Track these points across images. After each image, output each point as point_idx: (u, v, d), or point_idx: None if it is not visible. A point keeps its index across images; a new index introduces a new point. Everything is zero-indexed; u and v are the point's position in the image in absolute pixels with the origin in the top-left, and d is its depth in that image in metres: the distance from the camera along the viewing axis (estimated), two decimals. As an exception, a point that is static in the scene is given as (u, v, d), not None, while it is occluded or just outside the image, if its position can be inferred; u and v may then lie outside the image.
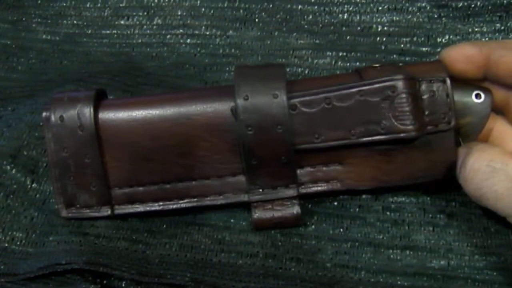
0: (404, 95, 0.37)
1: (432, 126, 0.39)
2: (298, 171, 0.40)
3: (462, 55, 0.39)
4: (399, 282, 0.38)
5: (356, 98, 0.38)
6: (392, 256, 0.40)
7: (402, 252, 0.40)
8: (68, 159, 0.40)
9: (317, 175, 0.41)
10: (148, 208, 0.41)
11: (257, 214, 0.40)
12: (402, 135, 0.38)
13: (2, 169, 0.45)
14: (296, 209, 0.40)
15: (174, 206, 0.41)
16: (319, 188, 0.41)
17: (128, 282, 0.39)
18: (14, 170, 0.45)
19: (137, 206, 0.41)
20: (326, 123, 0.38)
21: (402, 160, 0.40)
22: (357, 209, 0.42)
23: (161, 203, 0.41)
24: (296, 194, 0.40)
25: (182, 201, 0.41)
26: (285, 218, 0.40)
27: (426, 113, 0.39)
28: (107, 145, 0.40)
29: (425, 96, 0.39)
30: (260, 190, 0.40)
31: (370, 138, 0.38)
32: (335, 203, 0.42)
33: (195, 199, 0.41)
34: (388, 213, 0.42)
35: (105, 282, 0.40)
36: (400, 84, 0.37)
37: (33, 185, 0.44)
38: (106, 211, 0.41)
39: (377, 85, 0.38)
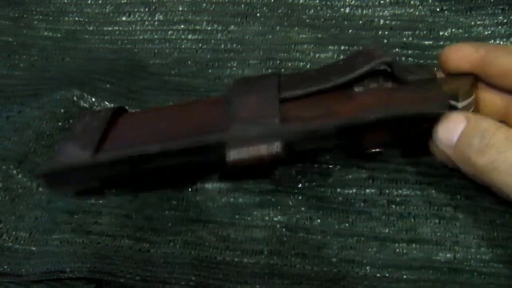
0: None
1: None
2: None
3: (458, 54, 0.38)
4: (404, 276, 0.37)
5: None
6: (398, 250, 0.39)
7: (408, 246, 0.39)
8: None
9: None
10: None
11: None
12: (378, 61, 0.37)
13: (8, 173, 0.44)
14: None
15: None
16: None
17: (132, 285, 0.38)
18: (20, 174, 0.44)
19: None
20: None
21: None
22: (362, 204, 0.41)
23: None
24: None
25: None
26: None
27: None
28: None
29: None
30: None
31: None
32: (340, 198, 0.41)
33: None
34: (393, 206, 0.40)
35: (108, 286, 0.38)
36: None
37: (39, 189, 0.43)
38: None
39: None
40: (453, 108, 0.36)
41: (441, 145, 0.35)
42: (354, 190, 0.41)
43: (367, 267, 0.38)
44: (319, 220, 0.40)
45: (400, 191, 0.41)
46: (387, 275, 0.38)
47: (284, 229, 0.40)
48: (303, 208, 0.41)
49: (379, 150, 0.38)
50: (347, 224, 0.40)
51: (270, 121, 0.37)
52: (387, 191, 0.41)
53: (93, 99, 0.48)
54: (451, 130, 0.35)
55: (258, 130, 0.37)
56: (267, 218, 0.41)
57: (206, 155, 0.38)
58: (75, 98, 0.48)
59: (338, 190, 0.42)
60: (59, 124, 0.46)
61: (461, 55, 0.38)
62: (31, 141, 0.45)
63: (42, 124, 0.46)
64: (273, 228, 0.40)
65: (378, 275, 0.38)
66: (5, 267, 0.39)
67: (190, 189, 0.42)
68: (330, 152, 0.42)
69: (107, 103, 0.48)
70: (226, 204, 0.42)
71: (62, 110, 0.47)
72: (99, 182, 0.40)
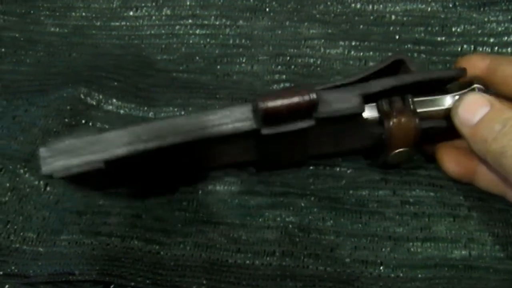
0: None
1: None
2: None
3: (468, 64, 0.38)
4: (419, 275, 0.37)
5: None
6: (412, 249, 0.38)
7: (422, 244, 0.38)
8: None
9: None
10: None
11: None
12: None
13: (15, 173, 0.43)
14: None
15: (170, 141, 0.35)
16: None
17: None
18: (27, 174, 0.43)
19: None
20: None
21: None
22: (375, 205, 0.40)
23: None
24: None
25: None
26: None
27: None
28: None
29: None
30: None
31: None
32: (353, 200, 0.40)
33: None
34: (407, 206, 0.40)
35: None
36: None
37: (47, 189, 0.42)
38: None
39: None
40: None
41: (459, 122, 0.35)
42: (367, 192, 0.40)
43: (381, 267, 0.37)
44: (331, 221, 0.39)
45: (413, 192, 0.40)
46: (401, 274, 0.37)
47: (296, 230, 0.39)
48: (315, 209, 0.40)
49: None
50: (360, 225, 0.39)
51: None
52: (400, 192, 0.40)
53: (100, 96, 0.47)
54: (474, 111, 0.35)
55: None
56: (279, 219, 0.39)
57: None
58: (82, 96, 0.47)
59: (351, 191, 0.41)
60: (66, 120, 0.45)
61: (471, 65, 0.38)
62: (37, 139, 0.44)
63: (48, 121, 0.45)
64: (285, 229, 0.39)
65: (392, 275, 0.37)
66: (13, 268, 0.38)
67: (200, 191, 0.41)
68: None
69: (114, 100, 0.47)
70: (237, 205, 0.40)
71: (69, 107, 0.46)
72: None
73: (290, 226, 0.39)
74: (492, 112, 0.34)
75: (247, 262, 0.38)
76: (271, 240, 0.38)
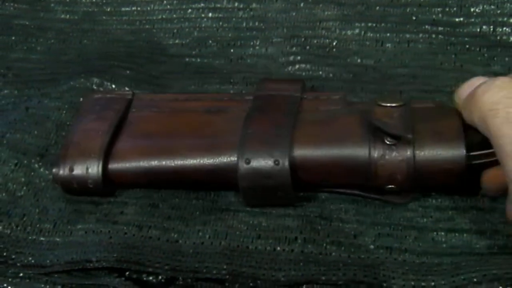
0: None
1: None
2: None
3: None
4: (445, 261, 0.35)
5: None
6: (436, 238, 0.37)
7: (446, 235, 0.37)
8: None
9: None
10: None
11: None
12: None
13: (30, 167, 0.43)
14: None
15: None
16: None
17: (157, 276, 0.37)
18: (42, 168, 0.43)
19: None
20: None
21: None
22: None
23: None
24: None
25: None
26: None
27: None
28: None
29: None
30: None
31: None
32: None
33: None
34: (429, 200, 0.39)
35: (135, 276, 0.37)
36: None
37: None
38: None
39: None
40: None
41: (457, 98, 0.36)
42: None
43: (406, 254, 0.36)
44: (354, 211, 0.39)
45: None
46: (426, 261, 0.36)
47: (318, 218, 0.38)
48: (337, 201, 0.39)
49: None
50: (383, 215, 0.38)
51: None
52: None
53: (113, 86, 0.46)
54: (470, 85, 0.35)
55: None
56: (300, 208, 0.39)
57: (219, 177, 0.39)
58: (94, 86, 0.46)
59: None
60: (78, 113, 0.44)
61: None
62: (51, 133, 0.44)
63: (62, 114, 0.45)
64: (307, 218, 0.38)
65: (418, 261, 0.36)
66: (30, 258, 0.38)
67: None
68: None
69: (127, 89, 0.46)
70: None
71: (81, 99, 0.45)
72: (110, 190, 0.40)
73: (312, 215, 0.38)
74: (485, 82, 0.34)
75: (268, 248, 0.37)
76: (292, 227, 0.38)
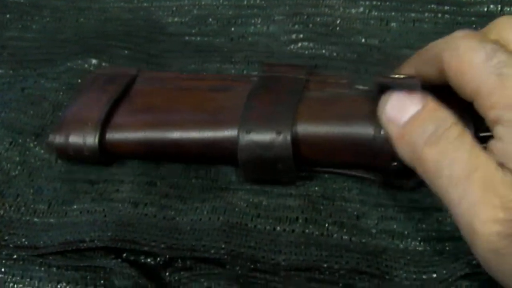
0: None
1: None
2: None
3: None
4: (447, 248, 0.35)
5: None
6: (440, 218, 0.36)
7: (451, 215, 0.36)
8: None
9: None
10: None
11: None
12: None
13: (25, 146, 0.42)
14: None
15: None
16: None
17: (155, 258, 0.37)
18: (37, 147, 0.42)
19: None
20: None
21: None
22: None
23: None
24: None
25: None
26: None
27: None
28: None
29: None
30: None
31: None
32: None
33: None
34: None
35: (132, 258, 0.36)
36: None
37: (58, 161, 0.41)
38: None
39: None
40: None
41: (386, 120, 0.32)
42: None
43: (408, 240, 0.36)
44: (357, 190, 0.38)
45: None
46: (428, 249, 0.35)
47: (320, 198, 0.37)
48: (340, 179, 0.38)
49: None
50: (387, 196, 0.38)
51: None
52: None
53: (111, 68, 0.46)
54: (404, 107, 0.31)
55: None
56: (301, 187, 0.38)
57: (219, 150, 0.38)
58: (92, 68, 0.46)
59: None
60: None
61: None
62: (47, 113, 0.44)
63: (59, 95, 0.45)
64: (308, 197, 0.37)
65: (420, 248, 0.35)
66: (23, 240, 0.37)
67: (219, 159, 0.40)
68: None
69: (131, 68, 0.46)
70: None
71: (79, 81, 0.45)
72: (107, 159, 0.40)
73: (314, 194, 0.38)
74: (425, 110, 0.30)
75: (268, 227, 0.36)
76: (293, 207, 0.37)
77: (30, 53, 0.48)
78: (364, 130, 0.36)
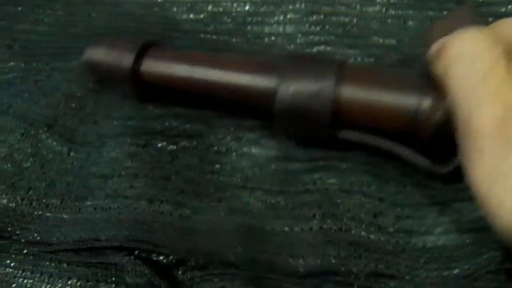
0: None
1: None
2: None
3: None
4: (467, 241, 0.35)
5: None
6: (459, 210, 0.36)
7: (468, 206, 0.36)
8: None
9: None
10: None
11: None
12: None
13: (37, 138, 0.42)
14: None
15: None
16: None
17: (168, 256, 0.36)
18: (50, 139, 0.42)
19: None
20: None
21: None
22: (420, 178, 0.38)
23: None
24: None
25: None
26: None
27: None
28: None
29: None
30: None
31: None
32: (399, 170, 0.38)
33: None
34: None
35: (144, 255, 0.36)
36: None
37: (70, 154, 0.41)
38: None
39: None
40: None
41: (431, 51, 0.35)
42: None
43: (426, 236, 0.35)
44: (375, 186, 0.37)
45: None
46: (447, 243, 0.35)
47: (337, 191, 0.37)
48: (358, 173, 0.38)
49: None
50: (404, 194, 0.37)
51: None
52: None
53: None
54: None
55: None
56: (319, 181, 0.38)
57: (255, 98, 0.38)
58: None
59: (395, 163, 0.38)
60: (90, 85, 0.44)
61: None
62: (60, 104, 0.43)
63: (71, 86, 0.44)
64: (326, 191, 0.37)
65: (439, 243, 0.35)
66: (35, 235, 0.37)
67: (234, 154, 0.40)
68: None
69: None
70: (274, 171, 0.39)
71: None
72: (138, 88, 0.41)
73: (331, 188, 0.37)
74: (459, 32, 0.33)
75: (286, 229, 0.36)
76: (310, 203, 0.37)
77: (42, 47, 0.48)
78: (408, 100, 0.35)
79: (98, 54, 0.40)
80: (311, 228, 0.36)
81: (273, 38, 0.47)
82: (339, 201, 0.37)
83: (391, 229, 0.36)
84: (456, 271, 0.33)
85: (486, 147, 0.28)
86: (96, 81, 0.42)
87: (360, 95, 0.36)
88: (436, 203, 0.36)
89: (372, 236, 0.35)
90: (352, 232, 0.35)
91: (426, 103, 0.35)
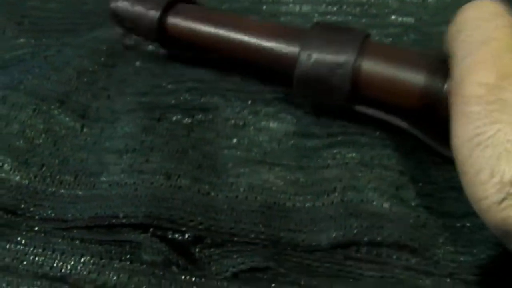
0: None
1: None
2: None
3: None
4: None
5: None
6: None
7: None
8: None
9: None
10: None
11: None
12: None
13: (49, 114, 0.41)
14: None
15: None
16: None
17: (183, 234, 0.35)
18: (62, 115, 0.41)
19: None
20: None
21: None
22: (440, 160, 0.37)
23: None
24: None
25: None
26: None
27: None
28: None
29: None
30: None
31: None
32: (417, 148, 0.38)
33: None
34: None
35: (159, 233, 0.35)
36: None
37: (83, 130, 0.41)
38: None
39: None
40: None
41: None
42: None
43: (446, 217, 0.35)
44: (395, 159, 0.37)
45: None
46: (468, 224, 0.34)
47: (358, 165, 0.37)
48: (378, 147, 0.38)
49: None
50: (424, 171, 0.37)
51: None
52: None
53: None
54: None
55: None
56: (338, 156, 0.37)
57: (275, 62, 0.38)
58: (118, 37, 0.45)
59: (414, 140, 0.38)
60: (102, 59, 0.44)
61: None
62: (72, 80, 0.43)
63: (83, 61, 0.44)
64: (346, 165, 0.37)
65: (458, 224, 0.35)
66: (49, 212, 0.36)
67: (252, 127, 0.39)
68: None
69: (154, 39, 0.45)
70: (292, 147, 0.38)
71: (105, 48, 0.45)
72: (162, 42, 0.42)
73: (351, 162, 0.37)
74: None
75: (307, 205, 0.35)
76: (331, 178, 0.36)
77: (52, 23, 0.47)
78: (430, 79, 0.35)
79: (125, 4, 0.41)
80: (332, 202, 0.35)
81: (289, 17, 0.47)
82: (359, 174, 0.36)
83: (413, 203, 0.35)
84: (471, 258, 0.33)
85: (474, 113, 0.28)
86: (121, 30, 0.42)
87: (381, 69, 0.36)
88: (453, 188, 0.36)
89: (394, 208, 0.35)
90: (374, 203, 0.35)
91: (449, 83, 0.34)
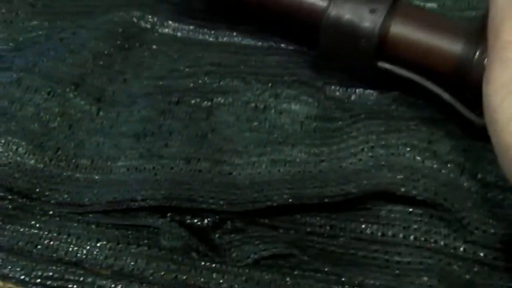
0: None
1: None
2: None
3: None
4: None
5: None
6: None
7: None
8: None
9: None
10: None
11: None
12: None
13: (65, 97, 0.40)
14: None
15: None
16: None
17: (202, 219, 0.35)
18: (78, 98, 0.41)
19: None
20: None
21: None
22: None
23: None
24: None
25: None
26: None
27: None
28: None
29: None
30: None
31: None
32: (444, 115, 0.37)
33: None
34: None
35: (177, 218, 0.35)
36: None
37: (99, 114, 0.40)
38: None
39: None
40: None
41: None
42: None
43: (477, 183, 0.34)
44: (425, 126, 0.36)
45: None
46: (492, 194, 0.34)
47: (384, 131, 0.36)
48: (403, 120, 0.37)
49: None
50: (455, 132, 0.36)
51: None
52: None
53: (155, 19, 0.45)
54: None
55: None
56: (363, 129, 0.37)
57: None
58: (134, 19, 0.45)
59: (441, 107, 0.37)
60: (118, 42, 0.43)
61: None
62: (87, 62, 0.42)
63: (99, 43, 0.43)
64: (371, 133, 0.36)
65: (489, 194, 0.34)
66: (65, 196, 0.36)
67: (273, 110, 0.38)
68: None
69: (170, 22, 0.45)
70: (315, 129, 0.37)
71: (121, 30, 0.44)
72: None
73: (377, 129, 0.36)
74: None
75: (334, 167, 0.35)
76: (356, 145, 0.36)
77: (66, 5, 0.47)
78: (458, 45, 0.35)
79: None
80: (360, 159, 0.35)
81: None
82: (387, 135, 0.35)
83: (445, 158, 0.34)
84: (492, 231, 0.32)
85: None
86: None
87: (409, 32, 0.36)
88: (490, 150, 0.35)
89: (427, 162, 0.34)
90: (407, 155, 0.34)
91: (478, 51, 0.34)
